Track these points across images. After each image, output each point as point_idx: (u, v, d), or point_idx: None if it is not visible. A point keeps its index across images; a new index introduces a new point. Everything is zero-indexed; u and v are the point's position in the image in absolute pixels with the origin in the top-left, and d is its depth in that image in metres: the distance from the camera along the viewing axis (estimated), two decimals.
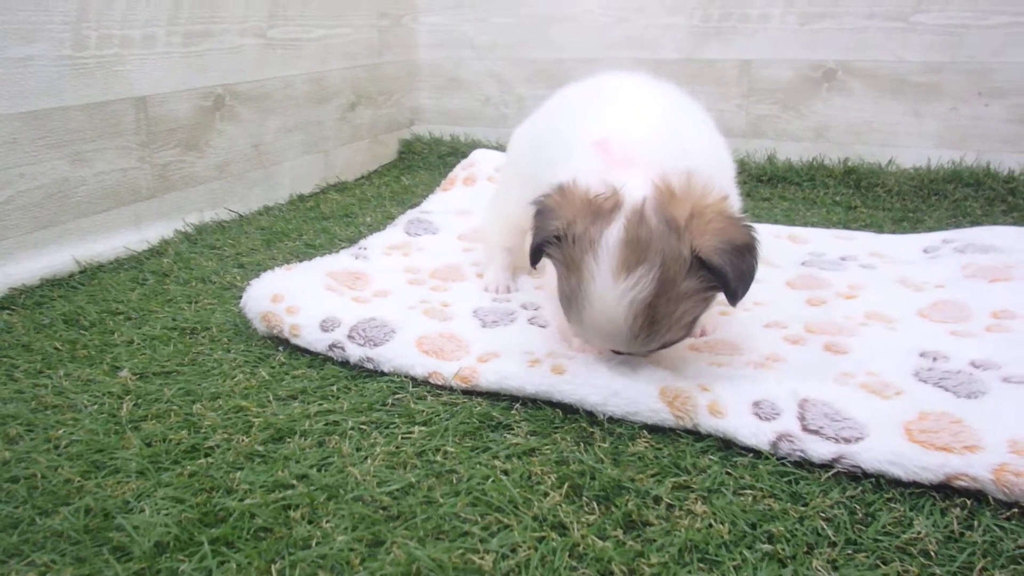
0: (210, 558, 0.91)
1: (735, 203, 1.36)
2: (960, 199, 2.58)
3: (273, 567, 0.90)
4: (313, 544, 0.94)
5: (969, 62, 2.72)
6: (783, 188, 2.82)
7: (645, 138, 1.34)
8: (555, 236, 1.25)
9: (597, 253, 1.18)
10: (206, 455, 1.14)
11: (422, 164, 3.31)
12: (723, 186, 1.28)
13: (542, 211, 1.29)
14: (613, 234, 1.19)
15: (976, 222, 2.30)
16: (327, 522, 0.98)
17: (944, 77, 2.76)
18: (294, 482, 1.06)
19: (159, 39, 2.17)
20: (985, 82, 2.72)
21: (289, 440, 1.18)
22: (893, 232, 2.24)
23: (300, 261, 1.86)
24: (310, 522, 0.98)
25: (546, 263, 1.35)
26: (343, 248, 2.05)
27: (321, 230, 2.32)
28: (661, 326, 1.21)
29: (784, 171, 2.88)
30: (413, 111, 3.53)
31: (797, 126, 3.00)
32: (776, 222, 2.37)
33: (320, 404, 1.28)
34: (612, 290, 1.17)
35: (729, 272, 1.18)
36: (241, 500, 1.02)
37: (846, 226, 2.33)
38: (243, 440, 1.17)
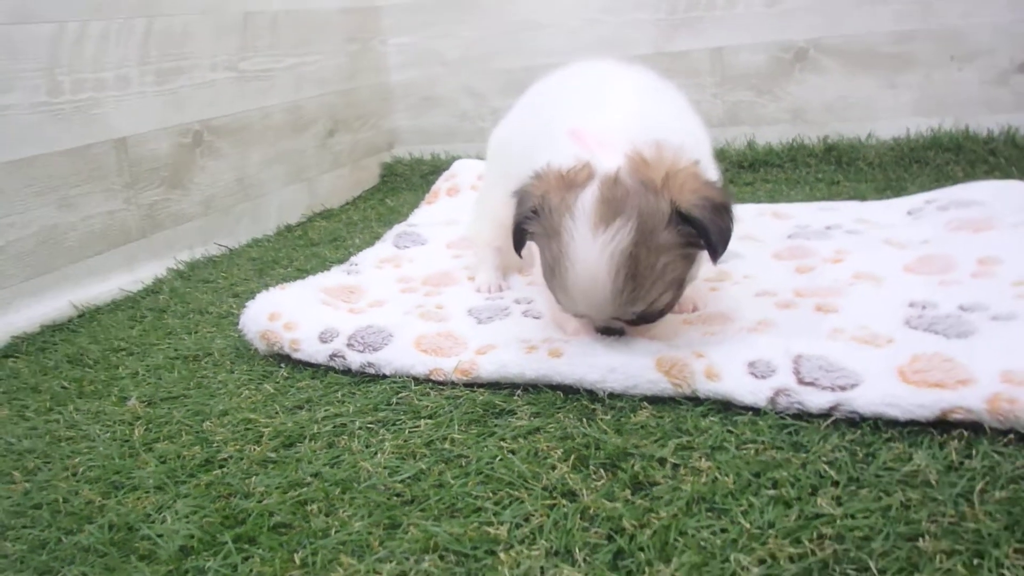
0: (235, 555, 0.94)
1: (712, 175, 1.40)
2: (941, 164, 2.60)
3: (296, 556, 0.93)
4: (332, 532, 0.97)
5: (939, 28, 2.72)
6: (765, 172, 2.84)
7: (617, 123, 1.38)
8: (532, 211, 1.30)
9: (574, 214, 1.23)
10: (220, 466, 1.17)
11: (405, 185, 3.32)
12: (696, 158, 1.32)
13: (521, 198, 1.34)
14: (588, 196, 1.23)
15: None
16: (344, 512, 1.01)
17: (915, 45, 2.77)
18: (308, 479, 1.09)
19: (132, 79, 2.19)
20: (956, 46, 2.72)
21: (299, 444, 1.20)
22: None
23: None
24: (327, 514, 1.01)
25: (534, 254, 1.38)
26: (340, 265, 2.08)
27: (311, 255, 2.34)
28: (644, 280, 1.23)
29: (764, 155, 2.90)
30: (391, 133, 3.55)
31: (773, 109, 3.00)
32: (760, 203, 2.39)
33: (326, 409, 1.31)
34: (592, 245, 1.21)
35: (709, 226, 1.22)
36: (259, 501, 1.04)
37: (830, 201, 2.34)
38: (255, 449, 1.20)
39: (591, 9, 3.12)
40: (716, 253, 1.25)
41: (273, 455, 1.18)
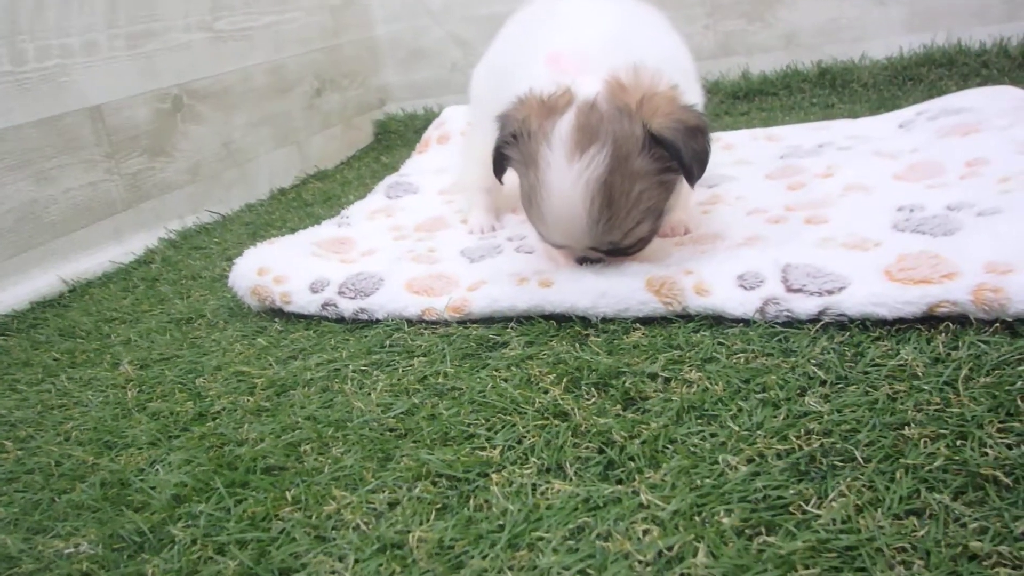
0: (227, 498, 0.93)
1: (694, 97, 1.40)
2: (935, 80, 2.60)
3: (288, 494, 0.92)
4: (325, 470, 0.97)
5: None
6: (760, 100, 2.85)
7: (595, 46, 1.38)
8: (512, 136, 1.29)
9: (551, 141, 1.23)
10: (213, 418, 1.16)
11: (400, 141, 3.29)
12: (676, 80, 1.32)
13: (503, 123, 1.33)
14: (565, 123, 1.23)
15: None
16: (336, 450, 1.01)
17: None
18: (301, 422, 1.09)
19: (101, 44, 2.14)
20: None
21: (293, 392, 1.20)
22: None
23: None
24: (320, 453, 1.01)
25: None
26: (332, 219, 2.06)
27: (306, 215, 2.33)
28: (620, 208, 1.23)
29: (759, 84, 2.91)
30: (381, 90, 3.52)
31: (766, 37, 2.98)
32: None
33: (320, 357, 1.30)
34: (567, 173, 1.21)
35: (682, 147, 1.21)
36: (252, 447, 1.04)
37: None
38: (248, 400, 1.19)
39: None
40: (691, 176, 1.25)
41: (266, 404, 1.17)
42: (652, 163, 1.24)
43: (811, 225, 1.45)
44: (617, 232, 1.26)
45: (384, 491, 0.91)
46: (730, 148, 2.16)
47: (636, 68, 1.29)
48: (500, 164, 1.35)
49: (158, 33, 2.32)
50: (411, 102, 3.50)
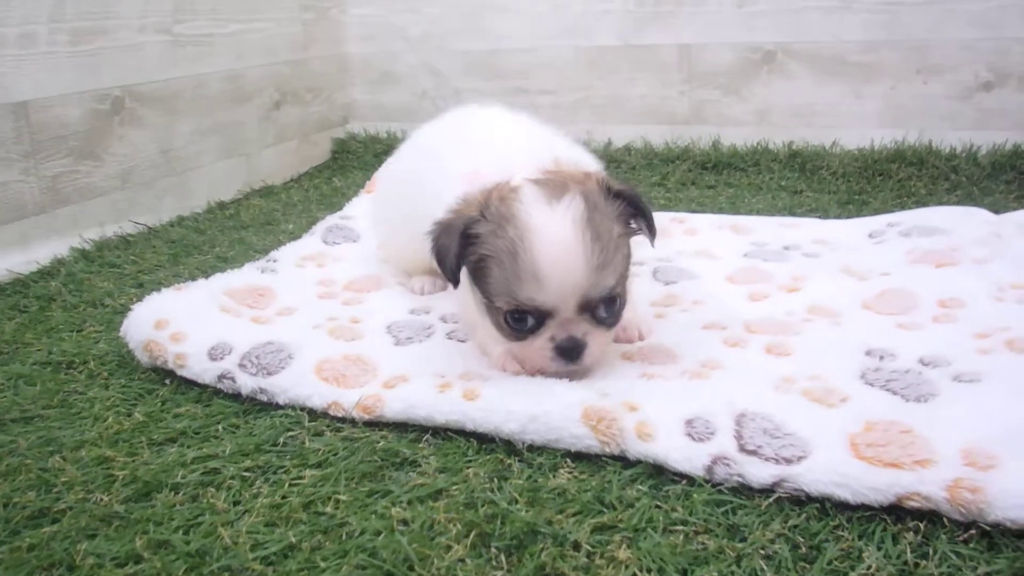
0: None
1: None
2: (904, 179, 2.55)
3: None
4: None
5: (906, 40, 2.70)
6: (728, 175, 2.77)
7: (511, 162, 1.34)
8: (478, 216, 1.24)
9: (523, 199, 1.21)
10: (54, 521, 0.98)
11: (357, 164, 3.16)
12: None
13: (446, 225, 1.27)
14: (528, 188, 1.23)
15: (921, 202, 2.28)
16: None
17: (882, 56, 2.74)
18: (151, 549, 0.91)
19: (40, 38, 1.97)
20: (922, 60, 2.70)
21: (156, 496, 1.02)
22: (839, 216, 2.18)
23: (207, 277, 1.68)
24: None
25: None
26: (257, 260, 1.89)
27: (237, 240, 2.16)
28: (608, 244, 1.21)
29: (729, 157, 2.84)
30: (346, 108, 3.38)
31: (739, 110, 2.95)
32: (721, 209, 2.31)
33: (200, 448, 1.13)
34: (552, 214, 1.19)
35: (640, 199, 1.27)
36: None
37: (792, 211, 2.26)
38: (102, 499, 1.01)
39: None
40: (650, 223, 1.29)
41: (121, 509, 0.99)
42: (617, 210, 1.26)
43: (772, 356, 1.33)
44: (610, 273, 1.21)
45: None
46: (693, 234, 2.06)
47: (557, 160, 1.33)
48: (460, 261, 1.26)
49: (108, 31, 2.17)
50: (375, 123, 3.39)
